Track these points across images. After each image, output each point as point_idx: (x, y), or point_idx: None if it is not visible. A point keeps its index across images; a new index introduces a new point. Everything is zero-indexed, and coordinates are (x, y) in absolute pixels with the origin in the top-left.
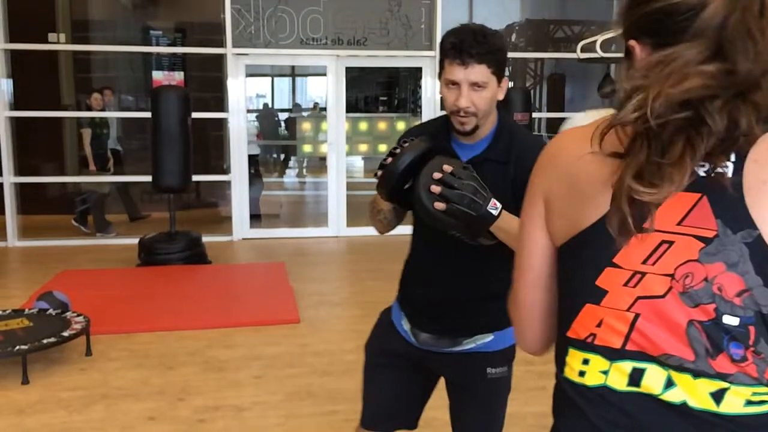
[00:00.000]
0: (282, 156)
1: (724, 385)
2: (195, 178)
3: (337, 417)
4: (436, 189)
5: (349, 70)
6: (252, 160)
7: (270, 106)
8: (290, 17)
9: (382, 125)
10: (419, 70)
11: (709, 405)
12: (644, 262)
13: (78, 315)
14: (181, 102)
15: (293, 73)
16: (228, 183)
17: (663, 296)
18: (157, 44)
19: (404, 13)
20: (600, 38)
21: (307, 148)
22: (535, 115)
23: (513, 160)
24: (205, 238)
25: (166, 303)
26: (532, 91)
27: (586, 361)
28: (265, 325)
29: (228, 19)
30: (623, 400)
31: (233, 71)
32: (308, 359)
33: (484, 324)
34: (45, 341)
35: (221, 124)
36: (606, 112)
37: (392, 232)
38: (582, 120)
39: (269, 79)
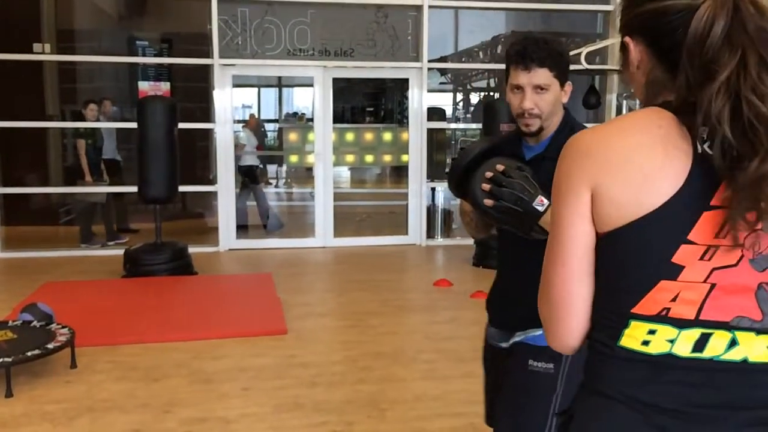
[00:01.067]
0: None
1: (758, 336)
2: (181, 188)
3: (325, 428)
4: (486, 186)
5: (336, 80)
6: (251, 171)
7: (256, 116)
8: (277, 28)
9: (368, 136)
10: (406, 81)
11: (766, 357)
12: (716, 236)
13: (63, 327)
14: (168, 112)
15: (280, 83)
16: (214, 193)
17: (736, 265)
18: (143, 55)
19: (391, 25)
20: (584, 50)
21: (293, 158)
22: None
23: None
24: (191, 249)
25: (152, 314)
26: None
27: (652, 332)
28: (252, 337)
29: (215, 29)
30: (686, 365)
31: (220, 82)
32: (296, 371)
33: (536, 317)
34: (29, 354)
35: (207, 134)
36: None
37: (377, 243)
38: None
39: (256, 89)
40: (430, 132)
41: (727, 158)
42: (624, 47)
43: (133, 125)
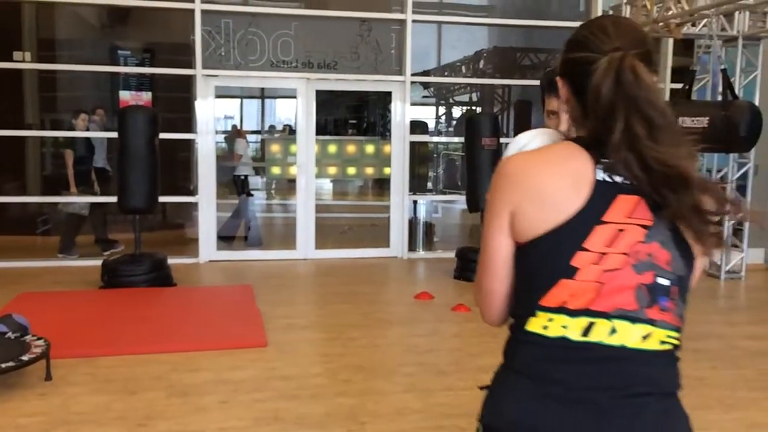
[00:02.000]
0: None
1: (651, 328)
2: (161, 199)
3: None
4: None
5: (319, 93)
6: (246, 181)
7: (239, 127)
8: (261, 40)
9: (351, 148)
10: (389, 94)
11: (639, 344)
12: (607, 246)
13: (38, 338)
14: (149, 122)
15: (263, 95)
16: (195, 204)
17: (621, 269)
18: (125, 64)
19: (374, 38)
20: None
21: (275, 170)
22: (503, 139)
23: None
24: (171, 260)
25: (130, 326)
26: (500, 117)
27: (551, 320)
28: (232, 349)
29: (198, 40)
30: (576, 347)
31: (202, 92)
32: (275, 383)
33: None
34: (3, 365)
35: (189, 145)
36: (546, 134)
37: (358, 256)
38: (528, 138)
39: (238, 100)
40: (413, 145)
41: (648, 188)
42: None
43: (114, 135)
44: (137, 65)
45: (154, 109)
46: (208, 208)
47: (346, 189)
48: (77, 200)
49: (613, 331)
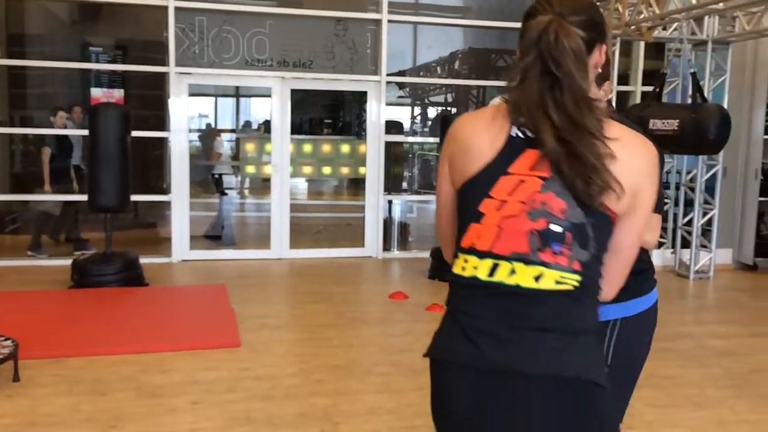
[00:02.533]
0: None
1: (543, 270)
2: (133, 197)
3: None
4: None
5: (294, 92)
6: (220, 180)
7: (213, 126)
8: (235, 38)
9: (326, 148)
10: (364, 94)
11: (532, 284)
12: (508, 194)
13: (5, 339)
14: (121, 120)
15: (237, 93)
16: (168, 203)
17: (517, 216)
18: (97, 61)
19: (350, 38)
20: None
21: (250, 169)
22: None
23: None
24: (143, 260)
25: (100, 326)
26: None
27: (466, 261)
28: (204, 349)
29: (171, 37)
30: (484, 285)
31: (176, 90)
32: (248, 384)
33: None
34: None
35: (162, 143)
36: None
37: (333, 255)
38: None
39: (213, 99)
40: (388, 145)
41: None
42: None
43: (85, 132)
44: (109, 62)
45: (125, 107)
46: (181, 206)
47: (321, 188)
48: (47, 198)
49: (513, 272)
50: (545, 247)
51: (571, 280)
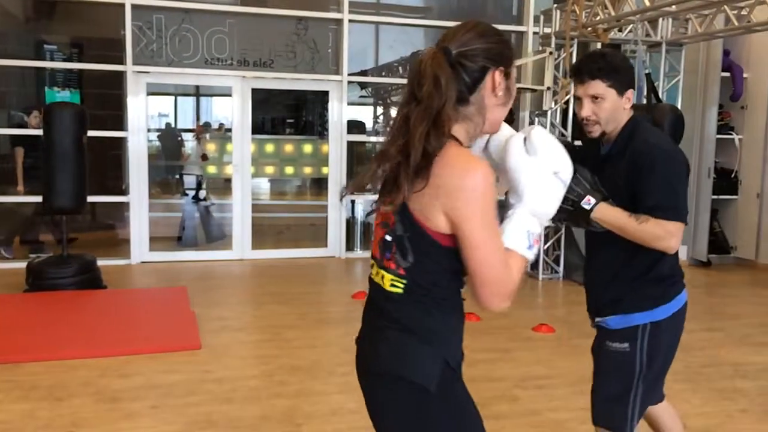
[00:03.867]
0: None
1: (384, 272)
2: (90, 198)
3: None
4: None
5: (255, 91)
6: (198, 181)
7: (173, 125)
8: (194, 36)
9: (288, 147)
10: (326, 93)
11: (381, 284)
12: (378, 212)
13: None
14: (76, 119)
15: (198, 92)
16: (126, 204)
17: (378, 225)
18: (52, 59)
19: (311, 37)
20: None
21: (211, 169)
22: None
23: (627, 157)
24: (101, 262)
25: (56, 331)
26: None
27: (372, 266)
28: (164, 353)
29: (128, 35)
30: (371, 285)
31: (133, 89)
32: (209, 386)
33: (612, 307)
34: None
35: (120, 143)
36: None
37: (296, 256)
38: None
39: (172, 98)
40: (350, 145)
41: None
42: None
43: (39, 132)
44: (65, 60)
45: (81, 106)
46: (140, 208)
47: (284, 188)
48: (19, 200)
49: (377, 273)
50: (384, 254)
51: (399, 283)
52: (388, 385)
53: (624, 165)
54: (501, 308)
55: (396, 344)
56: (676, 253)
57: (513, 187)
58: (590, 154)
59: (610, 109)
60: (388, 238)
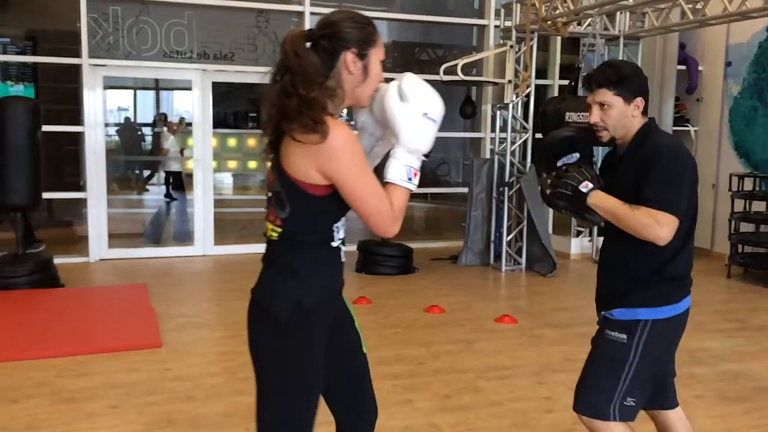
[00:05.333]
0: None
1: (267, 223)
2: (46, 195)
3: None
4: (548, 183)
5: (216, 85)
6: (178, 177)
7: (132, 119)
8: (152, 29)
9: (251, 142)
10: None
11: (267, 232)
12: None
13: None
14: (30, 114)
15: (157, 86)
16: (84, 200)
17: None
18: (4, 52)
19: (272, 30)
20: (461, 62)
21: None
22: None
23: (637, 158)
24: (58, 260)
25: (10, 331)
26: None
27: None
28: (124, 351)
29: (84, 28)
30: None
31: (89, 83)
32: (170, 385)
33: (619, 300)
34: None
35: (77, 138)
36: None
37: (260, 251)
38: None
39: (131, 91)
40: None
41: None
42: None
43: None
44: (18, 54)
45: (35, 101)
46: (98, 204)
47: (247, 183)
48: None
49: (266, 225)
50: (268, 208)
51: (275, 232)
52: (253, 309)
53: (634, 165)
54: (390, 233)
55: (265, 278)
56: (690, 256)
57: (391, 130)
58: (608, 158)
59: (616, 116)
60: (270, 194)
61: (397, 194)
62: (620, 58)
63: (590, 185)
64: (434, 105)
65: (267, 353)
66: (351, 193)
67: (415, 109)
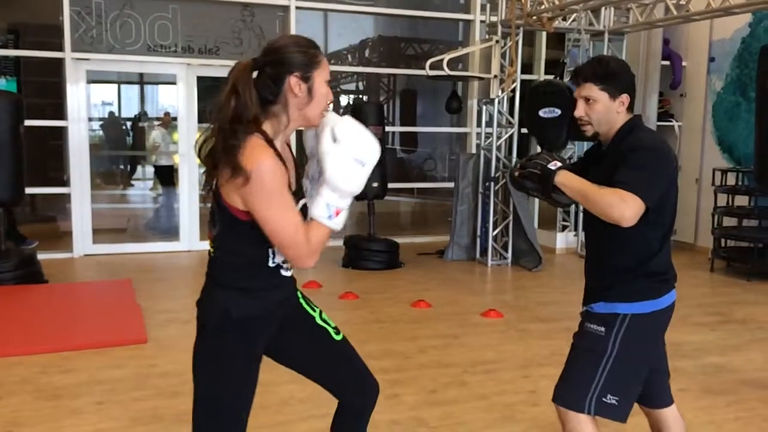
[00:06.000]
0: (128, 167)
1: (209, 242)
2: (29, 190)
3: None
4: (517, 167)
5: (201, 79)
6: (168, 171)
7: (116, 114)
8: (136, 22)
9: None
10: None
11: (209, 246)
12: None
13: None
14: (12, 108)
15: (142, 80)
16: (68, 195)
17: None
18: None
19: (257, 24)
20: (447, 57)
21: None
22: (388, 128)
23: (618, 155)
24: (41, 256)
25: None
26: (385, 106)
27: None
28: (108, 347)
29: (67, 21)
30: None
31: (72, 77)
32: (155, 381)
33: (601, 294)
34: None
35: (61, 132)
36: None
37: None
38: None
39: (116, 86)
40: (299, 134)
41: None
42: None
43: None
44: (0, 47)
45: (18, 95)
46: (82, 199)
47: None
48: None
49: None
50: (208, 223)
51: (212, 247)
52: (197, 314)
53: (614, 161)
54: (306, 265)
55: (203, 289)
56: (669, 252)
57: (321, 168)
58: (593, 150)
59: (601, 111)
60: (209, 211)
61: (316, 230)
62: (605, 53)
63: (558, 164)
64: (366, 150)
65: (198, 361)
66: (266, 224)
67: (345, 152)
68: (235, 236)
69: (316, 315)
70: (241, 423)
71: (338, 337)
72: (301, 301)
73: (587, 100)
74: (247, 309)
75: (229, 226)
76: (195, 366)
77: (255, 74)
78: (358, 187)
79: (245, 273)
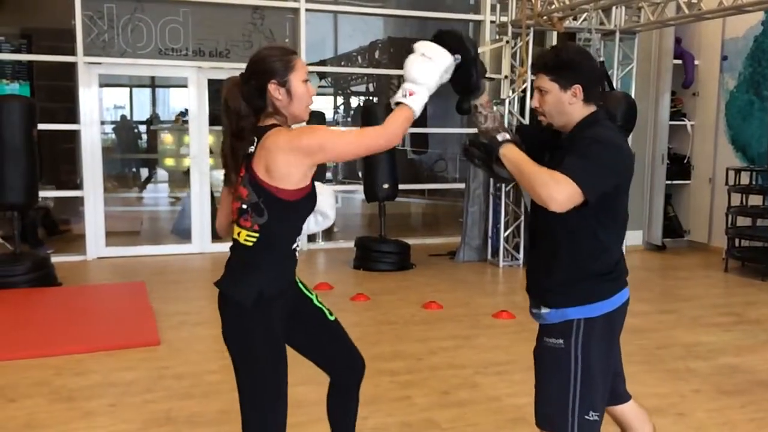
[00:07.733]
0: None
1: (239, 229)
2: (43, 194)
3: None
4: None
5: (212, 82)
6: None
7: (128, 117)
8: (147, 26)
9: None
10: None
11: (239, 238)
12: (227, 194)
13: None
14: (26, 112)
15: (153, 84)
16: (81, 199)
17: (231, 200)
18: (0, 51)
19: (268, 27)
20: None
21: (169, 161)
22: None
23: (573, 147)
24: (55, 258)
25: (8, 330)
26: None
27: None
28: (122, 350)
29: (79, 25)
30: (232, 237)
31: (85, 81)
32: (168, 383)
33: (542, 297)
34: None
35: (74, 136)
36: None
37: None
38: None
39: (127, 89)
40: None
41: None
42: None
43: None
44: (13, 52)
45: (31, 99)
46: (95, 202)
47: None
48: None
49: (235, 230)
50: (240, 217)
51: (253, 236)
52: (222, 300)
53: (570, 151)
54: (390, 143)
55: (232, 272)
56: (620, 250)
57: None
58: (555, 137)
59: (552, 102)
60: (243, 206)
61: (392, 115)
62: (616, 52)
63: (507, 136)
64: (429, 47)
65: (234, 343)
66: (345, 147)
67: (415, 52)
68: (283, 220)
69: (313, 297)
70: (284, 399)
71: (332, 318)
72: (300, 285)
73: (540, 90)
74: (276, 289)
75: (279, 210)
76: (235, 348)
77: (246, 87)
78: (424, 76)
79: (279, 255)
